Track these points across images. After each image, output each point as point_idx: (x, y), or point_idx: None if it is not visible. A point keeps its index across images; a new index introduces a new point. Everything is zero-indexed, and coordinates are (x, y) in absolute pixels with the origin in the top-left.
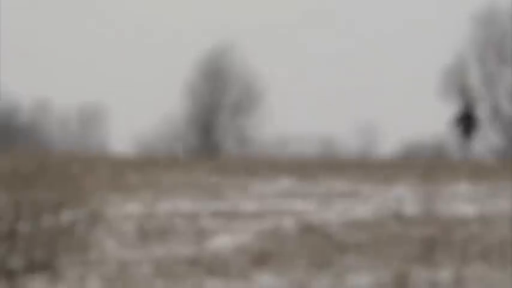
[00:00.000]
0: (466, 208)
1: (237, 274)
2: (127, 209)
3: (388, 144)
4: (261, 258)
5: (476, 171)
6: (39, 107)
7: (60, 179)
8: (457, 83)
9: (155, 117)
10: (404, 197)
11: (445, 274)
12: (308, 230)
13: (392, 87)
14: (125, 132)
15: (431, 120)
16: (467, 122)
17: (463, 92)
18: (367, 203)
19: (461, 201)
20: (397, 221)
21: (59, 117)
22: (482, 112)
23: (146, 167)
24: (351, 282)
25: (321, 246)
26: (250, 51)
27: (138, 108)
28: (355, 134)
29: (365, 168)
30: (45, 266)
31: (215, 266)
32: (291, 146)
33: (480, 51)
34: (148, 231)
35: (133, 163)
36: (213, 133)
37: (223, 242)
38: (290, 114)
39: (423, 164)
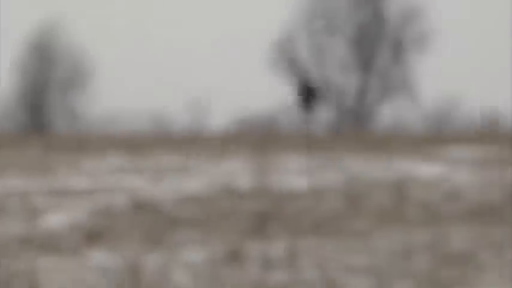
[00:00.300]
0: (298, 181)
1: (70, 252)
2: None
3: (220, 119)
4: (94, 235)
5: (309, 144)
6: None
7: None
8: (286, 55)
9: None
10: (237, 171)
11: (278, 248)
12: (140, 206)
13: (222, 60)
14: None
15: (262, 93)
16: (307, 95)
17: (293, 65)
18: (200, 178)
19: (293, 174)
20: (230, 195)
21: None
22: (315, 85)
23: None
24: (184, 258)
25: (153, 222)
26: (81, 27)
27: None
28: (186, 110)
29: (196, 142)
30: None
31: (47, 244)
32: (121, 122)
33: (308, 22)
34: None
35: None
36: (43, 111)
37: (55, 220)
38: (121, 91)
39: (255, 138)
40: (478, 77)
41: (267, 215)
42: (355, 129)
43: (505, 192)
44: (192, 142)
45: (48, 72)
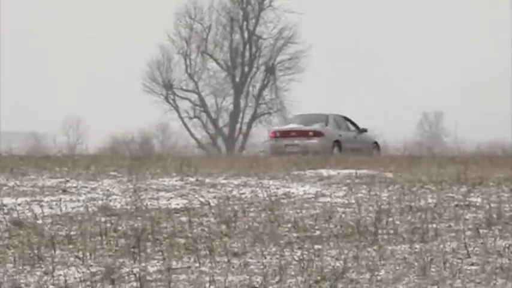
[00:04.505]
0: (172, 201)
1: None
2: None
3: (96, 139)
4: None
5: (181, 164)
6: None
7: None
8: (162, 76)
9: None
10: (113, 190)
11: (153, 266)
12: (18, 224)
13: (99, 81)
14: None
15: (137, 113)
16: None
17: (168, 85)
18: (77, 197)
19: (168, 193)
20: (106, 214)
21: None
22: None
23: None
24: (62, 277)
25: (31, 240)
26: None
27: None
28: (63, 130)
29: (73, 162)
30: None
31: None
32: None
33: (183, 44)
34: None
35: None
36: None
37: None
38: None
39: (131, 157)
40: (348, 96)
41: (143, 234)
42: (229, 150)
43: (375, 213)
44: (69, 162)
45: None
